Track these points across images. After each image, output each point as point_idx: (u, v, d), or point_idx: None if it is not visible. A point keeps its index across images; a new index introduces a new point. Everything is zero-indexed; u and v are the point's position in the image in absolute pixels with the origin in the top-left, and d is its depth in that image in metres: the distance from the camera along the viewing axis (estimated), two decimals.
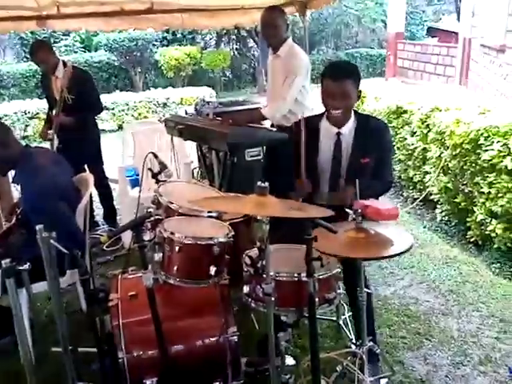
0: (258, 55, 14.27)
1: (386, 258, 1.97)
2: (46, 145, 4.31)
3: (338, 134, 2.42)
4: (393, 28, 12.76)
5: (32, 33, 12.29)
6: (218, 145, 3.31)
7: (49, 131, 4.12)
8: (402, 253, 1.83)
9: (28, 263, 1.79)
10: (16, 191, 3.00)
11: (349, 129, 2.41)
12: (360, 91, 2.37)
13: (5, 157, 2.53)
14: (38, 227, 1.65)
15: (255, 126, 3.53)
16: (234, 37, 15.87)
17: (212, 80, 14.31)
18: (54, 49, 4.31)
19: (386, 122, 2.63)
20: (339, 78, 2.30)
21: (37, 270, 1.86)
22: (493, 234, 3.57)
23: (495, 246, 3.61)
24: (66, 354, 1.84)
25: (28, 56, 12.13)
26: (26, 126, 9.11)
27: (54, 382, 2.29)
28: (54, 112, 4.13)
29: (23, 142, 2.94)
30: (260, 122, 3.62)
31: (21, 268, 1.77)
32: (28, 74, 12.81)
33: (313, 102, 3.61)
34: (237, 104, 4.68)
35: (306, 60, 3.52)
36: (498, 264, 3.60)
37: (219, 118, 3.69)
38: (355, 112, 2.46)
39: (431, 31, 17.34)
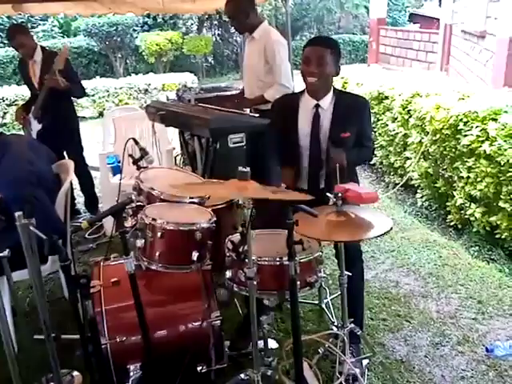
0: (241, 41, 14.14)
1: (366, 239, 1.98)
2: (22, 132, 4.23)
3: (317, 105, 2.40)
4: (375, 14, 12.77)
5: (8, 17, 11.97)
6: (201, 131, 3.28)
7: (27, 116, 4.04)
8: (382, 235, 1.85)
9: (8, 250, 1.77)
10: None
11: (328, 102, 2.40)
12: (339, 67, 2.37)
13: None
14: (16, 214, 1.63)
15: (237, 112, 3.52)
16: (215, 22, 15.70)
17: (194, 66, 14.16)
18: (32, 34, 4.22)
19: (365, 97, 2.64)
20: (316, 44, 2.36)
21: (18, 258, 1.84)
22: (472, 218, 3.63)
23: (474, 229, 3.68)
24: (48, 342, 1.83)
25: (5, 42, 11.89)
26: (5, 113, 8.94)
27: (37, 370, 2.28)
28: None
29: (1, 130, 2.89)
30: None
31: (0, 255, 1.76)
32: (5, 60, 12.53)
33: (295, 87, 3.62)
34: (219, 90, 4.66)
35: (283, 41, 3.57)
36: (477, 247, 3.68)
37: (201, 104, 3.67)
38: (335, 89, 2.46)
39: (413, 17, 17.37)
